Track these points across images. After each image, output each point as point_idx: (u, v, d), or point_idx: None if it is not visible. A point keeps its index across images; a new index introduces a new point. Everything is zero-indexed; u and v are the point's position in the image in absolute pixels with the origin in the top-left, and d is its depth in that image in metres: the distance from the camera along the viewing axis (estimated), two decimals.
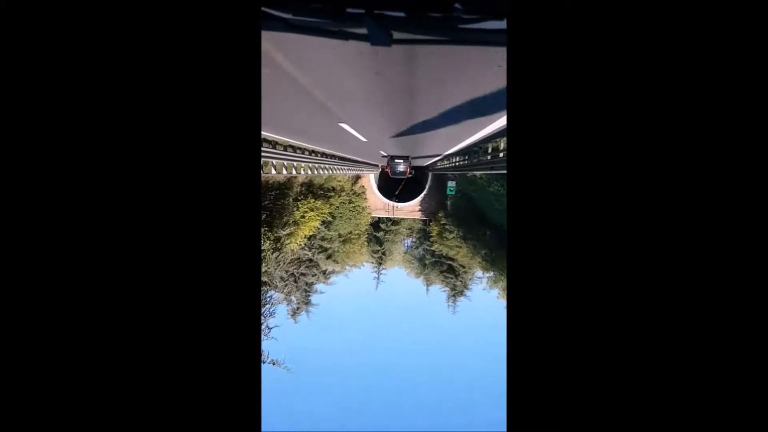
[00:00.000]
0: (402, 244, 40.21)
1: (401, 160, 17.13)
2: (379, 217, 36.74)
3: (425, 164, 25.15)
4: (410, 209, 36.45)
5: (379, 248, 37.24)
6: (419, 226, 38.59)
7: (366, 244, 36.47)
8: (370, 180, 35.47)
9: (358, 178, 34.15)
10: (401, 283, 41.76)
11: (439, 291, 35.38)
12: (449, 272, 33.45)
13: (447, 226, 31.18)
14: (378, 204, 35.99)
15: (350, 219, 30.88)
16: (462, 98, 4.84)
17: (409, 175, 18.60)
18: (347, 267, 33.99)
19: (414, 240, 40.63)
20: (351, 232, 32.22)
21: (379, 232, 37.16)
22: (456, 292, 33.35)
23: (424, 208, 36.01)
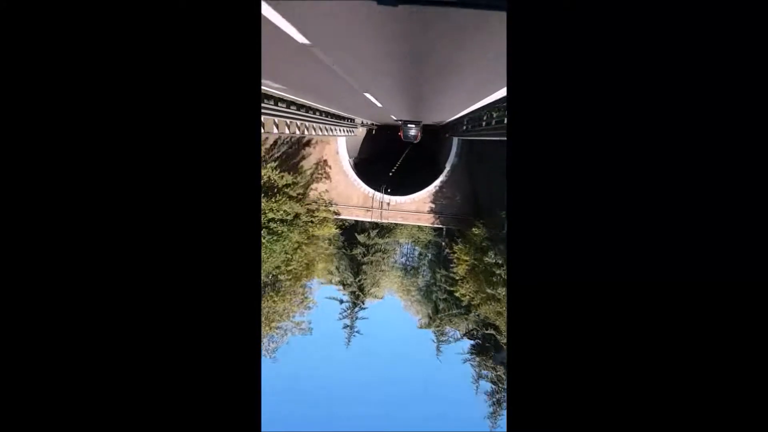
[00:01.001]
0: (397, 253, 23.06)
1: (413, 125, 15.69)
2: (355, 221, 19.13)
3: (445, 122, 15.24)
4: (413, 207, 18.80)
5: (353, 279, 19.76)
6: (430, 237, 20.94)
7: (330, 266, 19.22)
8: (338, 149, 17.77)
9: (305, 143, 16.39)
10: (393, 327, 23.57)
11: (460, 357, 18.41)
12: (490, 350, 16.04)
13: (496, 266, 13.43)
14: (352, 196, 18.48)
15: (275, 243, 13.41)
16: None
17: (416, 141, 16.22)
18: (286, 328, 16.68)
19: (420, 254, 23.35)
20: (286, 263, 14.82)
21: (355, 249, 19.57)
22: (502, 390, 16.12)
23: (439, 208, 18.42)
